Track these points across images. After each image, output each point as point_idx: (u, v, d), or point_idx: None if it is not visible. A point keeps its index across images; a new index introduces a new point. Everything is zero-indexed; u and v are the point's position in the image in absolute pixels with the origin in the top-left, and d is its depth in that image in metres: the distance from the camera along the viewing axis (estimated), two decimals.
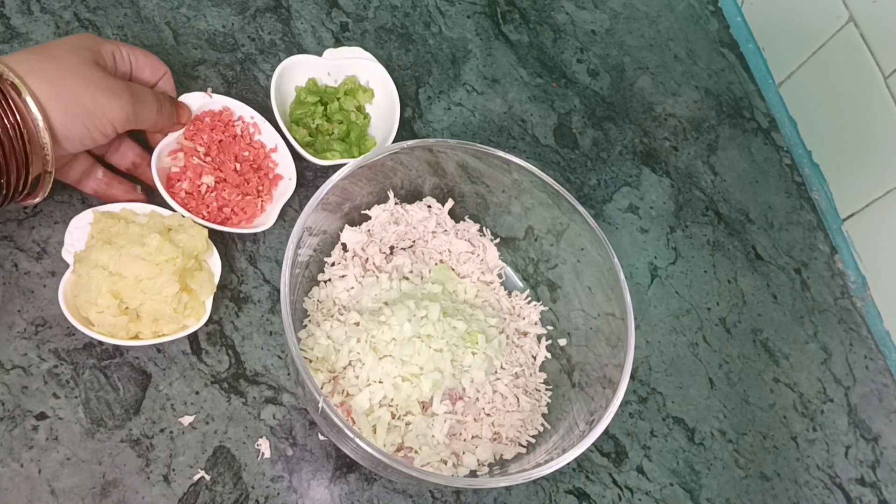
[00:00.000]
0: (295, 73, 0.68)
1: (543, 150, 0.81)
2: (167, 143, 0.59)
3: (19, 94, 0.46)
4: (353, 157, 0.67)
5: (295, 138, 0.65)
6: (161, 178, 0.58)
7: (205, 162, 0.61)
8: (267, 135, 0.65)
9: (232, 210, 0.61)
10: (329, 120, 0.69)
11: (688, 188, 0.85)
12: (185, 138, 0.61)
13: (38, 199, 0.53)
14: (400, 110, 0.69)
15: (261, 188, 0.63)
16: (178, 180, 0.60)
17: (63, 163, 0.54)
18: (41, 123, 0.46)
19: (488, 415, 0.60)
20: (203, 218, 0.59)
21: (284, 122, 0.65)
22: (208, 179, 0.61)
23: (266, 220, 0.62)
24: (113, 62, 0.53)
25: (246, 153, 0.63)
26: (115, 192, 0.58)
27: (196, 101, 0.62)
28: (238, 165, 0.62)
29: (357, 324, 0.58)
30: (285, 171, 0.64)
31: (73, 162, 0.56)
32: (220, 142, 0.62)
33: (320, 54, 0.70)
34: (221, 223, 0.60)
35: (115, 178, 0.58)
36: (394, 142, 0.68)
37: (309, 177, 0.68)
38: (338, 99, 0.70)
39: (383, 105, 0.71)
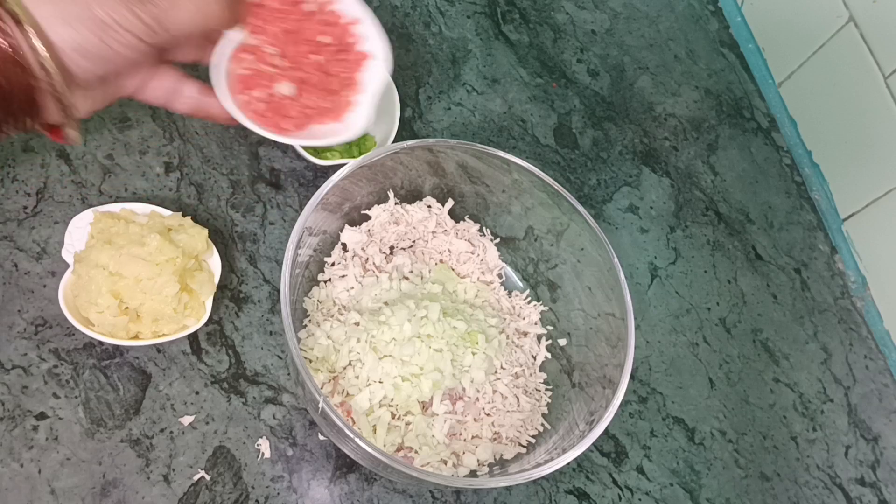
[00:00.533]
0: None
1: (543, 150, 0.81)
2: (228, 44, 0.46)
3: (18, 22, 0.36)
4: (353, 157, 0.67)
5: None
6: (231, 86, 0.45)
7: (279, 68, 0.48)
8: (346, 4, 0.49)
9: (318, 115, 0.49)
10: None
11: (688, 188, 0.85)
12: (251, 32, 0.47)
13: (70, 142, 0.43)
14: (400, 110, 0.69)
15: (347, 77, 0.50)
16: (249, 87, 0.47)
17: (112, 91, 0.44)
18: (42, 52, 0.36)
19: (488, 415, 0.60)
20: (286, 133, 0.48)
21: None
22: (286, 88, 0.48)
23: (357, 118, 0.49)
24: None
25: (325, 38, 0.49)
26: (214, 107, 0.47)
27: None
28: (320, 58, 0.49)
29: (357, 324, 0.58)
30: (373, 49, 0.50)
31: (156, 78, 0.45)
32: (292, 32, 0.48)
33: None
34: (308, 136, 0.49)
35: (211, 91, 0.46)
36: (394, 142, 0.68)
37: (309, 177, 0.68)
38: None
39: (383, 105, 0.71)
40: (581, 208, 0.62)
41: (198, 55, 0.47)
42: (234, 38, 0.46)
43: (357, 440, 0.47)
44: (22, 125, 0.39)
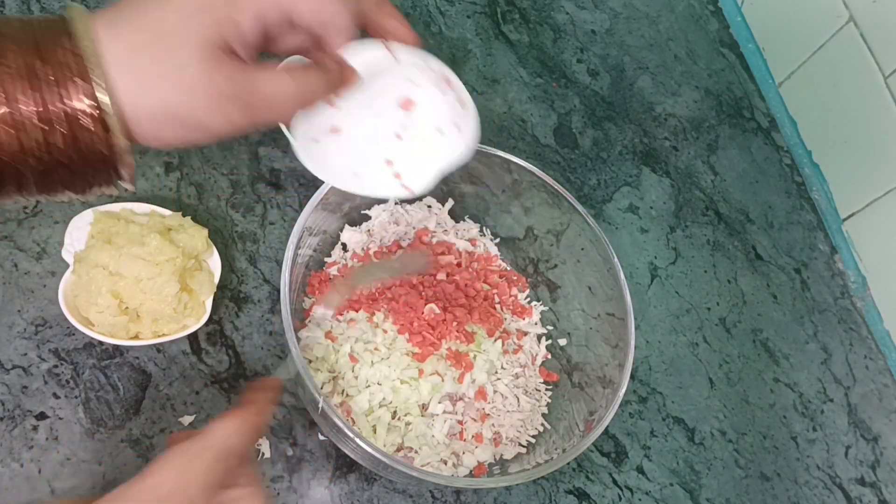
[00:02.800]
0: None
1: (543, 150, 0.81)
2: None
3: (93, 94, 0.32)
4: None
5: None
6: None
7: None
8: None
9: None
10: None
11: (688, 188, 0.85)
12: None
13: (117, 192, 0.38)
14: None
15: None
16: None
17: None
18: (121, 143, 0.34)
19: (488, 415, 0.60)
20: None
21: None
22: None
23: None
24: (260, 26, 0.36)
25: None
26: None
27: (366, 54, 0.40)
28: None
29: (357, 325, 0.58)
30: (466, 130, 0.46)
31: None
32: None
33: None
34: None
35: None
36: None
37: (309, 177, 0.68)
38: None
39: None
40: (581, 208, 0.62)
41: None
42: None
43: (357, 440, 0.47)
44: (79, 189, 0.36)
